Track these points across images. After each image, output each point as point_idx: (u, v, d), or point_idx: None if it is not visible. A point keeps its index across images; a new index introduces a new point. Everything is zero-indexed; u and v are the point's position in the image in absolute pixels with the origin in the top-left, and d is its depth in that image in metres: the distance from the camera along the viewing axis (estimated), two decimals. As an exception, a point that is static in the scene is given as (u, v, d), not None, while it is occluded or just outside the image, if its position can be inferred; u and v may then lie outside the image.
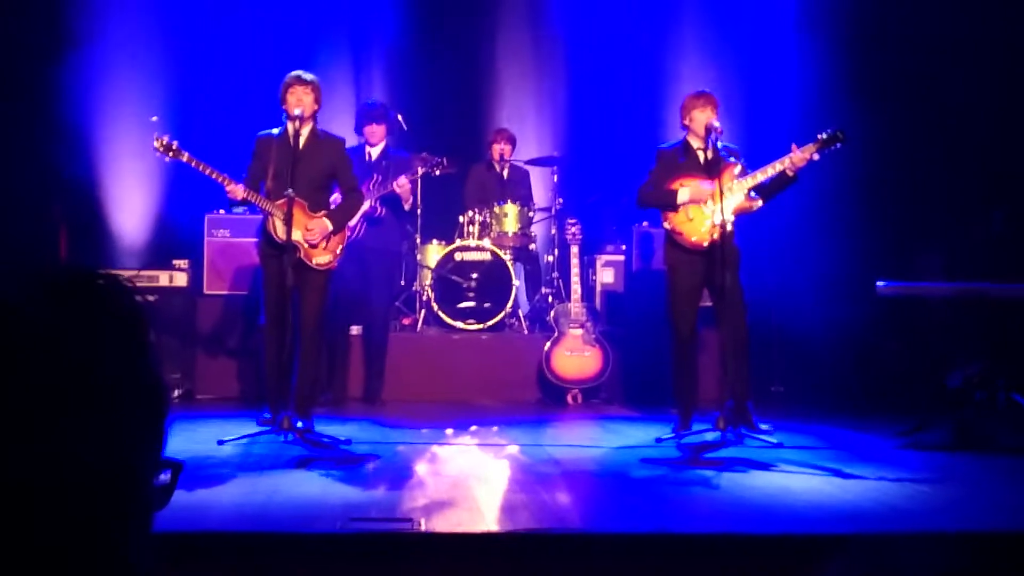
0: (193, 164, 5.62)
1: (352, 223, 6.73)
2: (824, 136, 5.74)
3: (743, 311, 5.86)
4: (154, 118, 8.00)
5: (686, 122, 5.95)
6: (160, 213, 8.25)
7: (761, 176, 5.82)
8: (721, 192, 5.61)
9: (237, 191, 5.58)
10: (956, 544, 3.55)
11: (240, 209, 7.45)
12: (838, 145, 5.74)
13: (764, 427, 5.85)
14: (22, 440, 0.74)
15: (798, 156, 5.70)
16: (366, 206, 6.93)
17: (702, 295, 6.01)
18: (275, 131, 5.77)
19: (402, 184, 7.16)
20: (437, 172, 7.37)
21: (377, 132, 7.19)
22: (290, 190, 5.44)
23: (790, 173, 5.76)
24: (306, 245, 5.70)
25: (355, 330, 7.44)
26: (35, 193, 7.72)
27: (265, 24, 8.51)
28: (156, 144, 5.60)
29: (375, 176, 7.14)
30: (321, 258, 5.77)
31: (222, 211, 7.61)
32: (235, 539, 3.52)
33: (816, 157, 5.74)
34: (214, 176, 5.60)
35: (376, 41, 9.14)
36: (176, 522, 3.44)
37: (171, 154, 5.60)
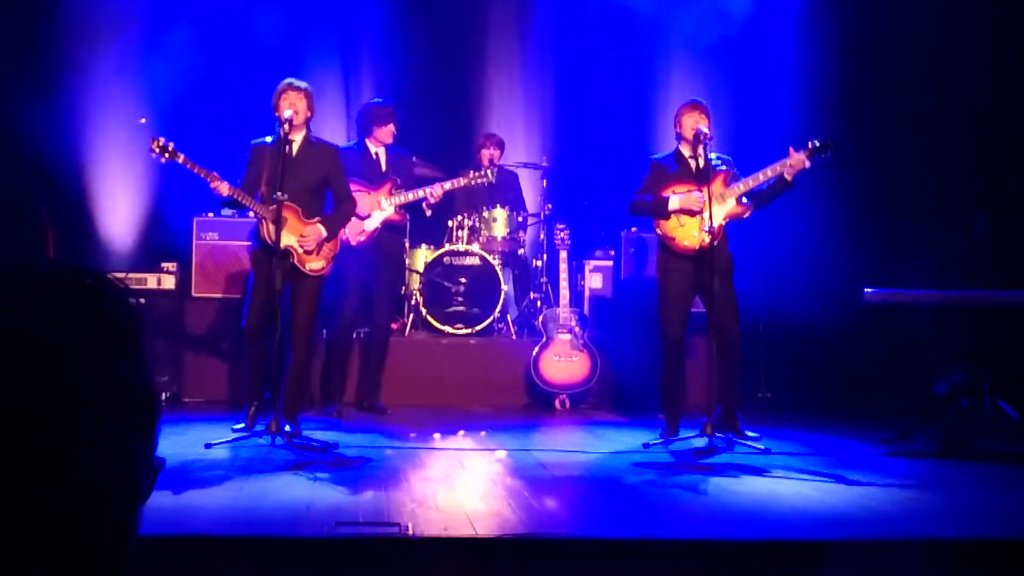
0: (188, 166, 5.62)
1: (370, 228, 6.85)
2: (815, 144, 5.77)
3: (736, 319, 5.89)
4: (142, 120, 8.00)
5: (678, 130, 5.99)
6: (148, 216, 8.23)
7: (752, 182, 5.85)
8: (711, 198, 5.65)
9: (222, 187, 5.58)
10: (941, 551, 3.57)
11: (228, 212, 7.45)
12: (828, 154, 5.78)
13: (752, 435, 5.86)
14: (9, 446, 0.74)
15: (796, 159, 5.73)
16: (390, 213, 6.99)
17: (693, 301, 6.03)
18: (268, 139, 5.80)
19: (437, 195, 7.20)
20: (484, 182, 7.54)
21: (392, 132, 7.17)
22: (279, 194, 5.45)
23: (788, 177, 5.78)
24: (300, 251, 5.70)
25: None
26: (22, 195, 7.69)
27: (255, 31, 8.49)
28: (153, 145, 5.59)
29: (393, 180, 7.14)
30: (315, 264, 5.78)
31: (211, 214, 7.60)
32: (222, 542, 3.51)
33: (807, 164, 5.78)
34: (202, 174, 5.60)
35: (365, 47, 9.14)
36: (163, 525, 3.44)
37: (167, 155, 5.60)
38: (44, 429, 0.74)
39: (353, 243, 6.88)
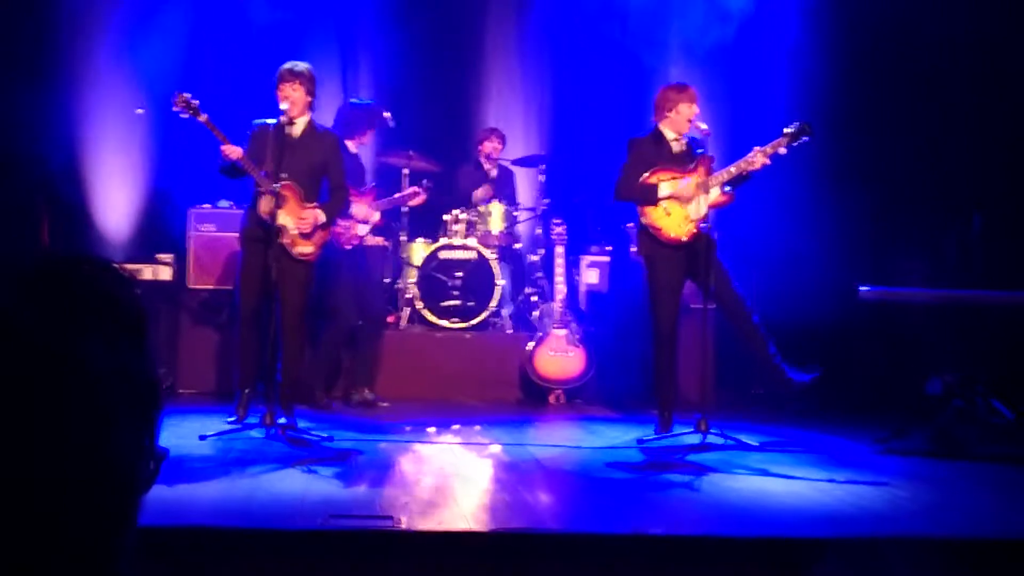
0: (208, 127, 5.61)
1: (362, 234, 7.01)
2: (790, 130, 5.75)
3: (731, 285, 5.90)
4: (139, 111, 7.99)
5: (670, 114, 5.93)
6: (144, 207, 8.21)
7: (735, 170, 5.83)
8: (706, 185, 5.64)
9: (234, 152, 5.56)
10: (933, 549, 3.58)
11: (226, 204, 7.46)
12: (806, 139, 5.76)
13: (801, 381, 5.86)
14: (8, 435, 0.74)
15: (758, 159, 5.72)
16: (376, 218, 7.10)
17: (682, 290, 6.02)
18: (271, 121, 5.79)
19: (418, 200, 7.33)
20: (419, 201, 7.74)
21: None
22: (283, 174, 5.52)
23: (757, 166, 5.77)
24: (294, 231, 5.69)
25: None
26: (17, 185, 7.67)
27: (253, 23, 8.47)
28: (177, 100, 5.55)
29: (376, 188, 7.27)
30: (304, 248, 5.78)
31: (207, 206, 7.59)
32: (216, 534, 3.52)
33: (784, 151, 5.76)
34: (219, 137, 5.60)
35: (363, 39, 9.12)
36: (157, 517, 3.43)
37: (190, 112, 5.57)
38: (43, 419, 0.74)
39: (347, 247, 6.93)
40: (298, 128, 5.78)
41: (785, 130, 5.76)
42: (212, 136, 5.68)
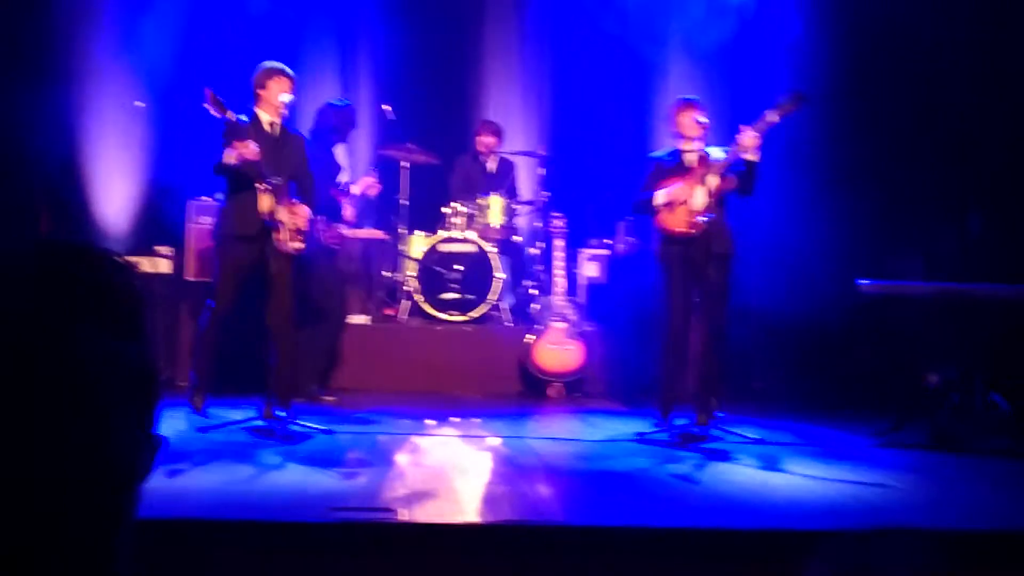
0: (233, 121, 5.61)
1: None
2: (783, 101, 5.75)
3: (723, 312, 5.90)
4: (137, 103, 7.97)
5: (675, 128, 6.11)
6: (143, 200, 8.20)
7: (731, 156, 5.85)
8: (703, 180, 5.67)
9: (250, 152, 5.51)
10: (931, 542, 3.58)
11: (222, 196, 7.45)
12: (800, 106, 5.75)
13: (719, 415, 5.91)
14: (7, 424, 0.73)
15: (748, 139, 5.72)
16: (349, 213, 7.16)
17: (694, 289, 6.05)
18: (244, 117, 5.79)
19: (374, 190, 7.39)
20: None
21: None
22: (275, 179, 5.52)
23: (749, 156, 5.77)
24: (292, 226, 5.71)
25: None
26: (16, 178, 7.66)
27: (250, 15, 8.45)
28: (208, 96, 5.51)
29: (344, 183, 7.33)
30: (297, 244, 5.80)
31: (206, 198, 7.58)
32: (215, 527, 3.52)
33: (776, 119, 5.75)
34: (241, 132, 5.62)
35: (362, 31, 9.11)
36: (156, 509, 3.43)
37: (218, 109, 5.54)
38: (42, 408, 0.74)
39: (334, 245, 6.94)
40: (277, 128, 5.85)
41: (778, 102, 5.77)
42: (208, 130, 5.68)
